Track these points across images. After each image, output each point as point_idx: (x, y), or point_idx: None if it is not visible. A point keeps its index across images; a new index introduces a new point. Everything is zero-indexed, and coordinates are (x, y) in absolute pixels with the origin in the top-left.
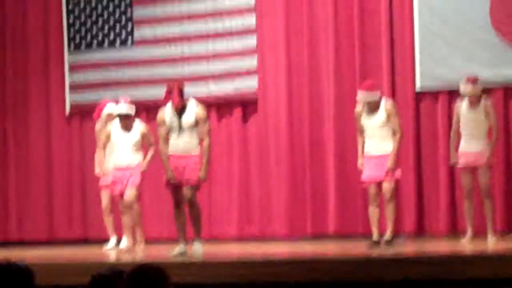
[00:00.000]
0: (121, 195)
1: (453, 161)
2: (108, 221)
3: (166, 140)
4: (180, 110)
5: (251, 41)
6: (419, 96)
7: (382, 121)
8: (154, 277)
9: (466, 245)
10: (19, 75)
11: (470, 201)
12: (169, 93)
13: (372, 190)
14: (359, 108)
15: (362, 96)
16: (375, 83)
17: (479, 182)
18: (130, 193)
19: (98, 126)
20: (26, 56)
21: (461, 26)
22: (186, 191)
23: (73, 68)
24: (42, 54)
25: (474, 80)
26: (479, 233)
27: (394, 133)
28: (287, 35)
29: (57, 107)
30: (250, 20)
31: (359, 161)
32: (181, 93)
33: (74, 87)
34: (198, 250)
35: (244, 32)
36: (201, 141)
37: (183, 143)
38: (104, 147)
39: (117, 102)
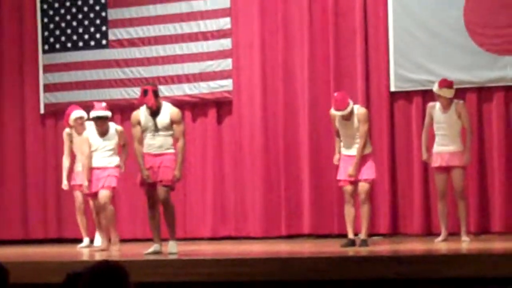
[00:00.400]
0: (95, 195)
1: (425, 157)
2: (81, 220)
3: (140, 140)
4: (154, 112)
5: (226, 43)
6: (393, 96)
7: (356, 127)
8: (114, 275)
9: (440, 245)
10: None
11: (443, 202)
12: (143, 94)
13: (347, 189)
14: (333, 111)
15: (336, 113)
16: (344, 100)
17: (453, 183)
18: (104, 194)
19: (66, 131)
20: (0, 56)
21: (435, 28)
22: (161, 191)
23: (47, 68)
24: (17, 54)
25: (450, 84)
26: (453, 233)
27: (359, 136)
28: (262, 37)
29: (32, 107)
30: (225, 22)
31: (336, 157)
32: (155, 94)
33: (49, 88)
34: (173, 249)
35: (219, 34)
36: (175, 141)
37: (158, 143)
38: (69, 154)
39: (90, 105)
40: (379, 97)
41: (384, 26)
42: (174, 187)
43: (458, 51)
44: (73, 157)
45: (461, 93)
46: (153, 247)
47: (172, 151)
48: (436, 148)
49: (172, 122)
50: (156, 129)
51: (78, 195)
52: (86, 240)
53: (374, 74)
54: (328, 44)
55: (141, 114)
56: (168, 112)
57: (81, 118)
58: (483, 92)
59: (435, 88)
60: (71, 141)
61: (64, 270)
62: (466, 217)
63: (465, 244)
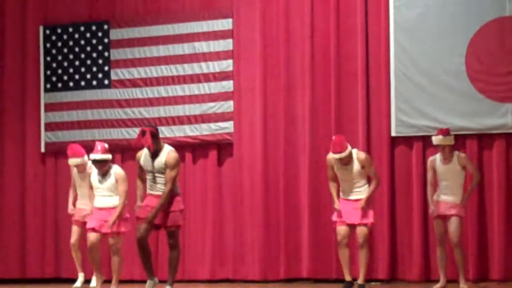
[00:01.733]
0: (93, 230)
1: (431, 211)
2: (76, 256)
3: (142, 179)
4: (154, 154)
5: (228, 85)
6: (394, 141)
7: (358, 172)
8: None
9: None
10: None
11: (442, 249)
12: (141, 135)
13: (341, 231)
14: (331, 156)
15: (334, 156)
16: (343, 143)
17: (449, 232)
18: (113, 241)
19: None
20: (2, 94)
21: (437, 74)
22: (169, 235)
23: (49, 107)
24: (19, 92)
25: (445, 132)
26: (452, 281)
27: (370, 180)
28: (263, 80)
29: (32, 145)
30: (227, 64)
31: (336, 202)
32: (153, 136)
33: (50, 126)
34: None
35: (221, 76)
36: (164, 185)
37: (158, 186)
38: (74, 185)
39: (92, 145)
40: (379, 142)
41: (385, 71)
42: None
43: (459, 97)
44: (76, 193)
45: (461, 139)
46: (148, 284)
47: (174, 193)
48: (436, 197)
49: (166, 166)
50: (154, 171)
51: (75, 231)
52: (80, 277)
53: (375, 118)
54: (330, 88)
55: (143, 155)
56: (165, 155)
57: (77, 166)
58: (484, 139)
59: (437, 139)
60: (73, 179)
61: None
62: (463, 265)
63: None
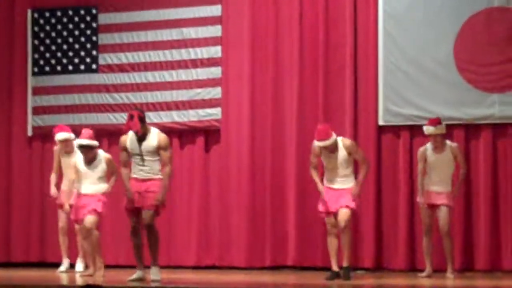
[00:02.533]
0: (81, 220)
1: (420, 200)
2: (63, 241)
3: (126, 164)
4: (141, 137)
5: (216, 71)
6: (381, 130)
7: (344, 159)
8: None
9: (423, 281)
10: None
11: (429, 238)
12: (129, 119)
13: (329, 220)
14: (316, 143)
15: (318, 144)
16: (327, 131)
17: (439, 221)
18: (90, 220)
19: (55, 149)
20: None
21: (425, 64)
22: (145, 215)
23: (36, 91)
24: (6, 75)
25: (436, 121)
26: (437, 270)
27: (361, 164)
28: (252, 67)
29: (19, 128)
30: (216, 51)
31: (320, 187)
32: (141, 120)
33: (37, 110)
34: (155, 276)
35: (209, 62)
36: (163, 167)
37: (145, 168)
38: (57, 171)
39: (78, 130)
40: (367, 131)
41: (374, 61)
42: (159, 212)
43: (447, 87)
44: (61, 174)
45: (449, 129)
46: (136, 273)
47: (159, 176)
48: (426, 186)
49: (159, 148)
50: (142, 154)
51: (61, 215)
52: (65, 262)
53: (363, 107)
54: (318, 77)
55: (128, 139)
56: (155, 138)
57: (65, 140)
58: (471, 129)
59: (428, 129)
60: (59, 159)
61: None
62: (452, 254)
63: (449, 281)
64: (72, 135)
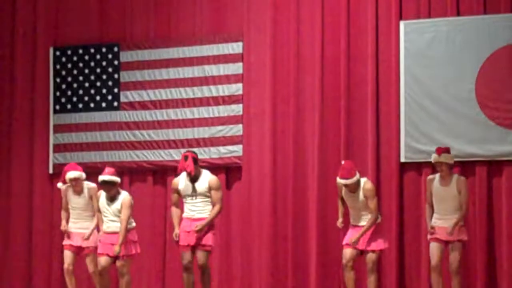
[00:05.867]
0: (105, 256)
1: (429, 229)
2: (71, 282)
3: (178, 205)
4: (193, 178)
5: (237, 109)
6: (403, 167)
7: (362, 201)
8: None
9: None
10: (4, 133)
11: (438, 275)
12: (184, 160)
13: (347, 254)
14: (338, 179)
15: (340, 181)
16: (351, 170)
17: (450, 257)
18: (121, 264)
19: (63, 188)
20: (11, 115)
21: (447, 100)
22: (200, 255)
23: (57, 128)
24: (28, 113)
25: (442, 150)
26: None
27: (369, 212)
28: (273, 104)
29: (40, 166)
30: (237, 88)
31: (339, 220)
32: (195, 161)
33: (58, 148)
34: None
35: (230, 99)
36: (213, 205)
37: (197, 209)
38: (66, 209)
39: (99, 167)
40: (389, 168)
41: (395, 97)
42: (212, 252)
43: (469, 124)
44: (68, 215)
45: (471, 166)
46: None
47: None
48: (434, 221)
49: (210, 189)
50: (195, 195)
51: (67, 255)
52: None
53: (385, 144)
54: (339, 114)
55: (181, 181)
56: (207, 179)
57: (75, 179)
58: (493, 166)
59: (435, 157)
60: (67, 199)
61: None
62: None
63: None
64: (83, 174)
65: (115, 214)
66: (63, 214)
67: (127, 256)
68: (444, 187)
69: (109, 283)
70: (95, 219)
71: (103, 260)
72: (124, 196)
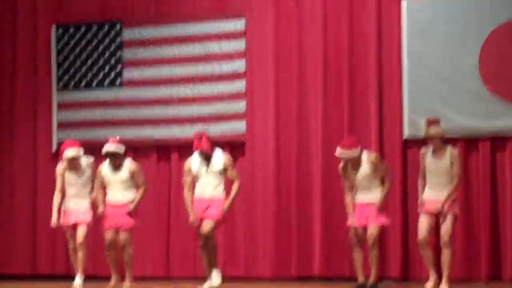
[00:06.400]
0: (111, 229)
1: (420, 202)
2: (75, 258)
3: (190, 187)
4: (207, 157)
5: (240, 85)
6: (407, 143)
7: (367, 174)
8: None
9: None
10: (6, 112)
11: (424, 248)
12: (198, 140)
13: (354, 232)
14: (342, 164)
15: (340, 152)
16: (353, 141)
17: (441, 229)
18: (124, 236)
19: (59, 167)
20: (14, 93)
21: (449, 75)
22: (204, 225)
23: (61, 106)
24: (31, 91)
25: (435, 122)
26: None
27: (382, 180)
28: (276, 80)
29: (44, 144)
30: (240, 65)
31: (350, 219)
32: (209, 140)
33: (62, 125)
34: (217, 279)
35: (233, 76)
36: (233, 183)
37: (210, 188)
38: (61, 191)
39: (103, 143)
40: (392, 144)
41: (398, 74)
42: (218, 224)
43: (472, 98)
44: (64, 195)
45: (474, 141)
46: (208, 282)
47: (222, 197)
48: (426, 194)
49: (225, 168)
50: (210, 173)
51: (71, 236)
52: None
53: (388, 120)
54: (343, 90)
55: (194, 161)
56: (221, 158)
57: (73, 159)
58: (497, 141)
59: (427, 131)
60: (64, 178)
61: None
62: (450, 266)
63: None
64: (81, 152)
65: (122, 183)
66: (57, 197)
67: (129, 229)
68: (437, 160)
69: (116, 257)
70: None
71: (110, 234)
72: (129, 164)
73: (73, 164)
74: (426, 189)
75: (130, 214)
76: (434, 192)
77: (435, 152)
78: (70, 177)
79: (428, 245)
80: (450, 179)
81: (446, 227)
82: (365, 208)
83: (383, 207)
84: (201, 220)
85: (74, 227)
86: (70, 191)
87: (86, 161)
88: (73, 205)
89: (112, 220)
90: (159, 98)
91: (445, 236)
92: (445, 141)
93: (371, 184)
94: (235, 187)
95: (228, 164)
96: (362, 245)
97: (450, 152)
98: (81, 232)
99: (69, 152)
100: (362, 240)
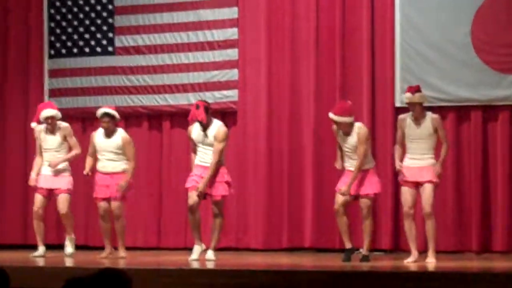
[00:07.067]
0: (104, 199)
1: (398, 168)
2: (38, 226)
3: (195, 151)
4: (205, 128)
5: (233, 53)
6: (398, 112)
7: (354, 145)
8: (117, 282)
9: (445, 262)
10: None
11: (410, 221)
12: (195, 108)
13: (338, 199)
14: (334, 127)
15: (331, 116)
16: (345, 108)
17: (422, 200)
18: (116, 206)
19: (36, 129)
20: (5, 60)
21: (442, 44)
22: (213, 206)
23: (52, 73)
24: (22, 58)
25: (414, 89)
26: (457, 251)
27: (358, 158)
28: (268, 49)
29: (36, 111)
30: (233, 32)
31: (338, 162)
32: (207, 110)
33: (54, 93)
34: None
35: (225, 44)
36: (213, 155)
37: (207, 157)
38: (40, 154)
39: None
40: (384, 112)
41: (390, 42)
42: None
43: (464, 68)
44: (42, 161)
45: (466, 111)
46: (195, 249)
47: (221, 164)
48: (406, 162)
49: (214, 139)
50: (206, 143)
51: (38, 199)
52: (41, 249)
53: (380, 89)
54: (335, 58)
55: (194, 129)
56: (215, 129)
57: (51, 117)
58: (488, 111)
59: (408, 97)
60: (40, 140)
61: (63, 276)
62: (435, 237)
63: (431, 265)
64: (59, 113)
65: (113, 150)
66: (38, 161)
67: (121, 199)
68: (418, 125)
69: (111, 227)
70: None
71: (103, 204)
72: (122, 134)
73: (50, 125)
74: (407, 158)
75: (120, 190)
76: (415, 161)
77: (415, 118)
78: (46, 140)
79: (413, 219)
80: (431, 145)
81: (427, 197)
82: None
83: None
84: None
85: (48, 193)
86: (45, 156)
87: (59, 125)
88: (46, 169)
89: (104, 190)
90: (151, 65)
91: (426, 206)
92: (425, 108)
93: (355, 154)
94: (212, 162)
95: (218, 136)
96: (345, 211)
97: (432, 118)
98: (62, 201)
99: (47, 111)
100: (345, 206)
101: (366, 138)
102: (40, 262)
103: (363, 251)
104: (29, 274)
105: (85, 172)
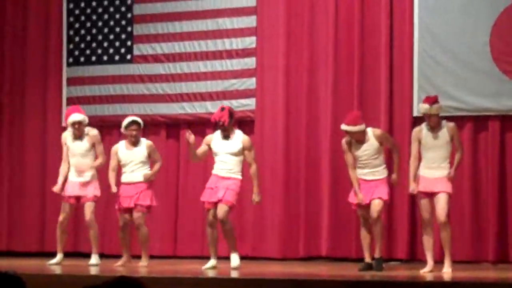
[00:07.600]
0: (127, 210)
1: (412, 188)
2: (62, 236)
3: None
4: (225, 137)
5: (251, 62)
6: (416, 121)
7: (374, 149)
8: None
9: (459, 272)
10: (17, 87)
11: (429, 231)
12: (220, 110)
13: (362, 212)
14: (346, 139)
15: (345, 128)
16: (357, 117)
17: (437, 210)
18: (139, 215)
19: (63, 135)
20: (24, 68)
21: (461, 54)
22: (220, 210)
23: (71, 81)
24: (41, 66)
25: (432, 100)
26: (473, 261)
27: (394, 153)
28: (286, 58)
29: (54, 119)
30: (251, 41)
31: (359, 196)
32: (231, 115)
33: (72, 101)
34: (235, 261)
35: (244, 53)
36: (250, 166)
37: (227, 168)
38: (66, 161)
39: (112, 119)
40: (402, 122)
41: (409, 51)
42: (232, 208)
43: (483, 78)
44: (68, 168)
45: (484, 120)
46: (211, 261)
47: (238, 176)
48: (422, 172)
49: (244, 149)
50: (227, 153)
51: (66, 207)
52: (59, 257)
53: (398, 98)
54: (353, 67)
55: (215, 138)
56: (240, 139)
57: (78, 123)
58: (506, 121)
59: (425, 108)
60: (67, 145)
61: (79, 284)
62: (450, 247)
63: (447, 275)
64: (86, 118)
65: (140, 160)
66: (64, 168)
67: (145, 208)
68: (435, 134)
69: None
70: (96, 164)
71: (124, 216)
72: (145, 141)
73: (77, 130)
74: (422, 167)
75: (146, 180)
76: (431, 170)
77: (431, 129)
78: (73, 145)
79: (432, 228)
80: (447, 154)
81: (441, 207)
82: (369, 184)
83: (376, 184)
84: (214, 202)
85: (76, 200)
86: (71, 161)
87: (88, 131)
88: (73, 175)
89: (128, 200)
90: (169, 74)
91: (441, 216)
92: (441, 118)
93: (375, 161)
94: (253, 171)
95: (247, 145)
96: (369, 224)
97: (448, 126)
98: (88, 208)
99: (74, 116)
100: (368, 219)
101: (386, 134)
102: (57, 270)
103: (376, 254)
104: (45, 282)
105: (113, 190)
